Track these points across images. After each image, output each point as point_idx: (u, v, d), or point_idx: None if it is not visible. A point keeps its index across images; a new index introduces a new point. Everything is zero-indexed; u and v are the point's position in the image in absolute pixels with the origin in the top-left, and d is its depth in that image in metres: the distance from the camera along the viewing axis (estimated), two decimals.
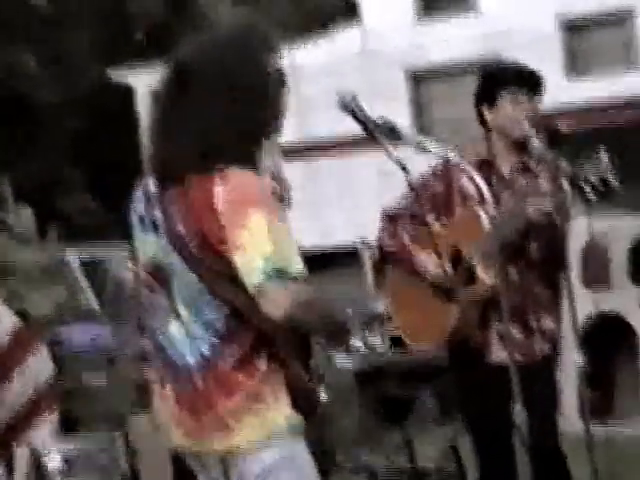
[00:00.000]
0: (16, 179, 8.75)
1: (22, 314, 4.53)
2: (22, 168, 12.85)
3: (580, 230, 3.92)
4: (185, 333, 1.83)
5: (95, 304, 6.82)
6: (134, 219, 1.91)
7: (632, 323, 4.68)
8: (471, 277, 2.67)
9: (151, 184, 1.87)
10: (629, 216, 4.99)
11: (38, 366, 3.67)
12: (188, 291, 1.81)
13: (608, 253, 4.80)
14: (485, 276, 2.62)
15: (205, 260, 1.78)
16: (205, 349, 1.81)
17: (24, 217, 5.92)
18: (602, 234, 4.60)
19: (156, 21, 15.61)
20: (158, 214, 1.85)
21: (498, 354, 2.71)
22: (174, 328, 1.84)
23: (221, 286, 1.78)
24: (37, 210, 6.10)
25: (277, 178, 1.95)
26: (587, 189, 2.43)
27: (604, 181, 2.42)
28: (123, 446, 3.25)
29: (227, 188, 1.77)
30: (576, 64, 11.34)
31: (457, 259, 2.71)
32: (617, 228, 4.81)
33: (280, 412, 1.80)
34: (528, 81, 2.72)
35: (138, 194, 1.91)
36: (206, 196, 1.78)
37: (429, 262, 2.72)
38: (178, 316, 1.84)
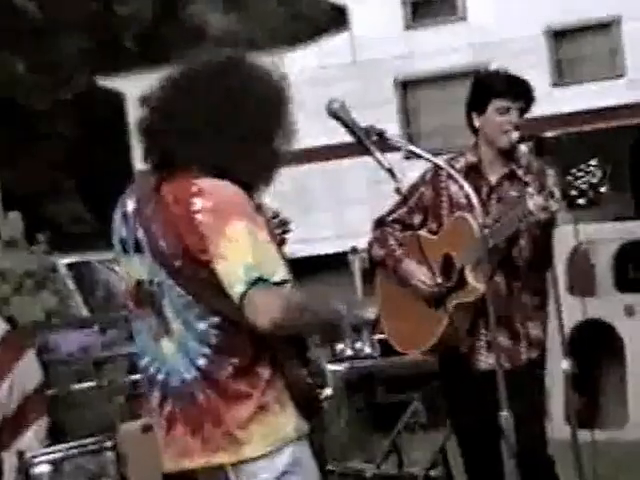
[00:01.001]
0: (5, 184, 8.72)
1: (11, 320, 4.52)
2: (11, 174, 12.80)
3: (566, 237, 3.95)
4: (178, 349, 1.81)
5: (84, 310, 6.80)
6: (116, 242, 1.90)
7: (617, 329, 4.71)
8: (461, 283, 2.69)
9: (129, 204, 1.86)
10: (614, 223, 5.03)
11: (27, 372, 3.66)
12: (178, 306, 1.80)
13: (593, 260, 4.84)
14: (475, 282, 2.64)
15: (189, 272, 1.77)
16: (202, 362, 1.79)
17: (13, 223, 5.90)
18: (588, 241, 4.64)
19: (146, 28, 15.61)
20: (140, 233, 1.84)
21: (486, 361, 2.73)
22: (166, 347, 1.82)
23: (209, 296, 1.77)
24: (26, 216, 6.08)
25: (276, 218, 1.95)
26: (577, 196, 2.46)
27: (594, 188, 2.45)
28: (112, 452, 3.24)
29: (206, 198, 1.76)
30: (563, 72, 11.42)
31: (448, 265, 2.73)
32: (602, 235, 4.85)
33: (286, 418, 1.80)
34: (517, 91, 2.74)
35: (117, 217, 1.90)
36: (185, 207, 1.77)
37: (417, 272, 2.74)
38: (170, 334, 1.81)
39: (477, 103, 2.77)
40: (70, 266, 7.18)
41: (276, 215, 2.02)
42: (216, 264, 1.75)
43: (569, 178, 2.46)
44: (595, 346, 4.70)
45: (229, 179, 1.81)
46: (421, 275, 2.73)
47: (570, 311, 4.23)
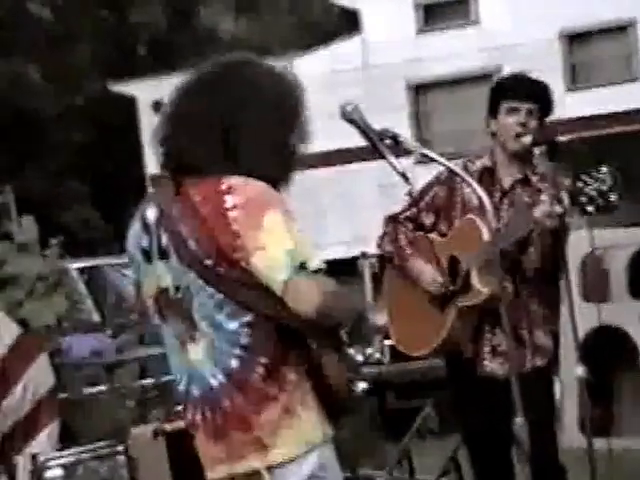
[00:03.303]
0: (19, 189, 8.77)
1: (23, 324, 4.53)
2: (25, 179, 12.87)
3: (580, 243, 3.93)
4: (206, 355, 1.80)
5: (95, 315, 6.83)
6: (137, 254, 1.88)
7: (632, 336, 4.67)
8: (466, 286, 2.68)
9: (149, 214, 1.85)
10: (628, 229, 4.99)
11: (39, 376, 3.67)
12: (208, 307, 1.79)
13: (608, 266, 4.80)
14: (480, 286, 2.63)
15: (221, 270, 1.76)
16: (233, 363, 1.78)
17: (26, 227, 5.92)
18: (602, 247, 4.60)
19: (159, 34, 15.68)
20: (164, 239, 1.82)
21: (490, 366, 2.72)
22: (194, 353, 1.81)
23: (241, 293, 1.76)
24: (39, 221, 6.10)
25: None
26: (586, 203, 2.43)
27: (604, 195, 2.43)
28: (123, 457, 3.25)
29: (237, 194, 1.76)
30: (577, 76, 11.38)
31: (454, 268, 2.73)
32: (616, 241, 4.81)
33: (312, 422, 1.79)
34: (524, 91, 2.73)
35: (136, 228, 1.88)
36: (216, 205, 1.76)
37: (424, 270, 2.73)
38: (198, 339, 1.80)
39: (491, 107, 2.77)
40: (82, 271, 7.21)
41: None
42: (254, 257, 1.72)
43: (579, 184, 2.44)
44: (609, 353, 4.66)
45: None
46: (428, 274, 2.72)
47: (584, 317, 4.20)
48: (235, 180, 1.78)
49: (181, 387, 1.85)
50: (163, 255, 1.84)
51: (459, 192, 2.78)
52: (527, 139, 2.69)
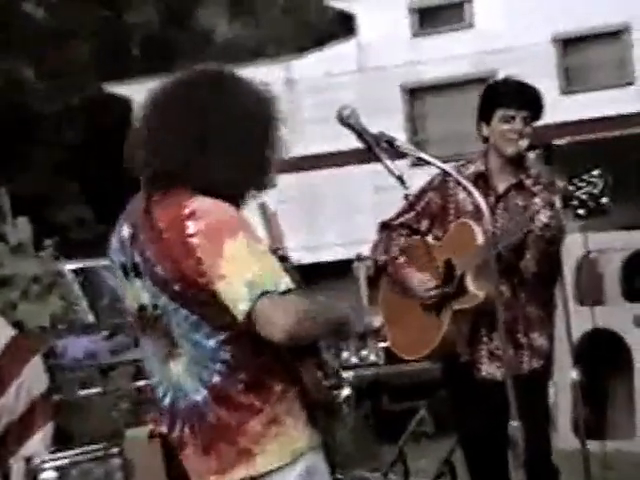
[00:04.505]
0: (13, 190, 8.73)
1: (18, 325, 4.52)
2: (20, 179, 12.84)
3: (574, 246, 3.94)
4: (186, 370, 1.79)
5: (90, 316, 6.80)
6: (116, 268, 1.88)
7: (626, 339, 4.69)
8: (461, 289, 2.68)
9: (124, 230, 1.85)
10: (622, 232, 5.01)
11: (33, 378, 3.66)
12: (185, 327, 1.78)
13: (602, 269, 4.82)
14: (475, 289, 2.63)
15: (190, 295, 1.76)
16: (214, 379, 1.77)
17: (21, 228, 5.91)
18: (596, 250, 4.62)
19: (154, 35, 15.67)
20: (137, 258, 1.82)
21: (487, 370, 2.73)
22: (175, 369, 1.81)
23: (215, 314, 1.75)
24: (34, 222, 6.08)
25: (275, 234, 1.94)
26: (578, 206, 2.45)
27: (595, 199, 2.44)
28: (118, 459, 3.24)
29: (199, 220, 1.74)
30: (571, 80, 11.41)
31: (449, 271, 2.73)
32: (610, 244, 4.83)
33: (299, 430, 1.79)
34: (521, 100, 2.74)
35: (114, 243, 1.88)
36: (178, 232, 1.75)
37: (416, 280, 2.74)
38: (178, 355, 1.80)
39: (484, 112, 2.78)
40: (77, 272, 7.19)
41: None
42: (217, 285, 1.72)
43: (571, 188, 2.45)
44: (603, 356, 4.67)
45: (216, 193, 1.79)
46: (420, 283, 2.73)
47: (578, 320, 4.22)
48: (199, 203, 1.76)
49: (167, 400, 1.84)
50: (138, 273, 1.83)
51: (453, 198, 2.79)
52: (524, 144, 2.71)
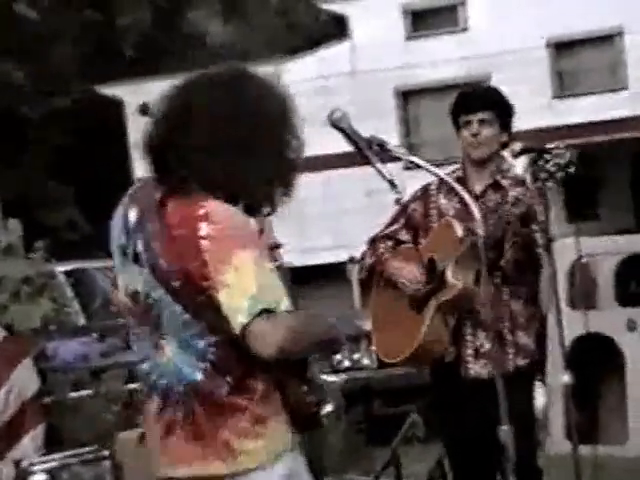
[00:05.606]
0: (4, 192, 8.70)
1: (8, 327, 4.49)
2: (9, 181, 12.80)
3: (567, 252, 3.94)
4: (172, 363, 1.80)
5: (82, 318, 6.78)
6: (115, 248, 1.86)
7: (618, 344, 4.69)
8: (442, 283, 2.71)
9: (131, 215, 1.83)
10: (615, 237, 5.02)
11: (24, 380, 3.65)
12: (176, 323, 1.79)
13: (595, 274, 4.83)
14: (453, 279, 2.66)
15: (188, 294, 1.76)
16: (198, 377, 1.78)
17: (11, 230, 5.88)
18: (589, 255, 4.63)
19: (145, 37, 15.64)
20: (139, 246, 1.81)
21: (474, 369, 2.73)
22: (161, 358, 1.81)
23: (208, 316, 1.75)
24: (24, 223, 6.06)
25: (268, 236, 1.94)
26: (547, 178, 2.53)
27: (562, 169, 2.52)
28: (109, 461, 3.23)
29: (213, 224, 1.73)
30: (564, 84, 11.44)
31: (431, 269, 2.78)
32: (604, 249, 4.84)
33: (281, 431, 1.79)
34: (470, 104, 2.86)
35: (117, 222, 1.86)
36: (191, 231, 1.74)
37: (402, 269, 2.80)
38: (164, 346, 1.80)
39: (454, 121, 2.92)
40: (68, 274, 7.15)
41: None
42: (218, 291, 1.71)
43: (540, 163, 2.53)
44: (595, 360, 4.68)
45: (235, 198, 1.78)
46: (406, 273, 2.79)
47: (571, 325, 4.22)
48: (215, 206, 1.75)
49: (161, 384, 1.83)
50: (137, 260, 1.82)
51: (434, 204, 2.88)
52: (487, 147, 2.82)
